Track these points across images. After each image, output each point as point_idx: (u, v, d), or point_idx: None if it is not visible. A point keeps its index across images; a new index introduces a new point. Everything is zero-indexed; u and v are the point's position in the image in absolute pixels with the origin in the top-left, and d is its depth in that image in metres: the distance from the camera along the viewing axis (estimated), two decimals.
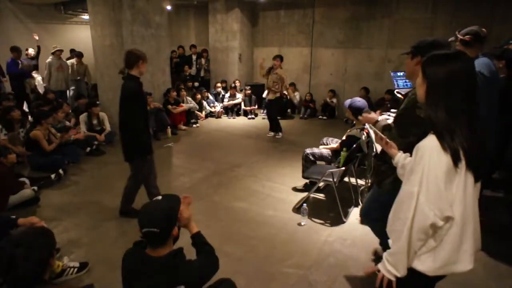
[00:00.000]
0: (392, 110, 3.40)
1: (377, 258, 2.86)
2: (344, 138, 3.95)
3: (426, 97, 1.38)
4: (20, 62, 7.36)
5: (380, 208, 2.13)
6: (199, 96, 8.11)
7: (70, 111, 6.34)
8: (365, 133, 3.44)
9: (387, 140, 1.76)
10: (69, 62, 8.26)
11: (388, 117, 2.80)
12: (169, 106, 6.98)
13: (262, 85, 8.78)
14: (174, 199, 1.74)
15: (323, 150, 4.13)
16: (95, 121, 5.89)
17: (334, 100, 8.24)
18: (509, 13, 5.89)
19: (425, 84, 1.38)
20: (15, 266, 1.34)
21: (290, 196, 4.05)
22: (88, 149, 5.48)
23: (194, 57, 9.65)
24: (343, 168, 3.50)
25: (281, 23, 9.01)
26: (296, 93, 8.77)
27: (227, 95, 8.58)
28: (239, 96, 8.53)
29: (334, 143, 4.24)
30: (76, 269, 2.66)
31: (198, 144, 6.29)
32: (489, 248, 2.79)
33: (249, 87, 8.58)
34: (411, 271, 1.40)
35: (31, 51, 7.79)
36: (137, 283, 1.59)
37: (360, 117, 3.20)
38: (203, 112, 8.17)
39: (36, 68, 7.92)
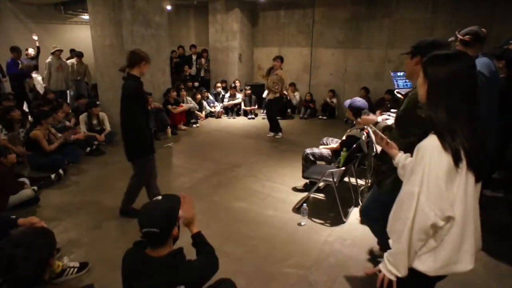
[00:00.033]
0: (392, 110, 3.40)
1: (373, 257, 2.87)
2: (344, 138, 3.95)
3: (427, 97, 1.38)
4: (20, 62, 7.36)
5: (380, 208, 2.13)
6: (199, 96, 8.11)
7: (70, 111, 6.34)
8: (365, 133, 3.44)
9: (388, 140, 1.76)
10: (69, 62, 8.26)
11: (388, 117, 2.80)
12: (169, 106, 6.98)
13: (262, 85, 8.78)
14: (174, 199, 1.74)
15: (323, 150, 4.13)
16: (95, 121, 5.89)
17: (334, 100, 8.24)
18: (509, 13, 5.89)
19: (426, 84, 1.38)
20: (15, 266, 1.34)
21: (290, 196, 4.05)
22: (88, 149, 5.48)
23: (194, 57, 9.64)
24: (343, 168, 3.50)
25: (281, 23, 9.01)
26: (296, 93, 8.77)
27: (227, 95, 8.58)
28: (239, 96, 8.53)
29: (334, 143, 4.24)
30: (76, 269, 2.66)
31: (198, 144, 6.29)
32: (489, 248, 2.79)
33: (249, 87, 8.58)
34: (412, 271, 1.40)
35: (31, 51, 7.79)
36: (137, 283, 1.59)
37: (359, 119, 3.20)
38: (203, 112, 8.17)
39: (36, 68, 7.92)
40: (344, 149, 3.65)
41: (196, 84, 9.24)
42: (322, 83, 8.63)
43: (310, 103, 8.47)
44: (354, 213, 3.55)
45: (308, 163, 3.99)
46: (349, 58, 8.06)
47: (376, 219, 2.40)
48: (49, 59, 7.71)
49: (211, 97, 8.65)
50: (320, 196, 4.07)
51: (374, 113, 4.85)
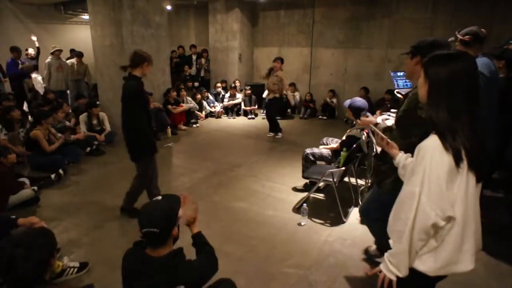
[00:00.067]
0: (392, 110, 3.40)
1: (369, 257, 2.86)
2: (344, 138, 3.95)
3: (428, 97, 1.38)
4: (20, 62, 7.36)
5: (380, 208, 2.13)
6: (199, 96, 8.11)
7: (70, 111, 6.34)
8: (365, 133, 3.44)
9: (388, 140, 1.76)
10: (69, 61, 8.26)
11: (388, 117, 2.80)
12: (169, 106, 6.99)
13: (262, 85, 8.79)
14: (174, 199, 1.74)
15: (323, 150, 4.13)
16: (95, 121, 5.89)
17: (334, 100, 8.24)
18: (509, 13, 5.89)
19: (427, 84, 1.38)
20: (15, 266, 1.34)
21: (290, 196, 4.05)
22: (88, 149, 5.48)
23: (194, 57, 9.65)
24: (343, 168, 3.50)
25: (281, 23, 9.01)
26: (296, 93, 8.77)
27: (227, 95, 8.58)
28: (239, 96, 8.53)
29: (334, 143, 4.24)
30: (76, 269, 2.66)
31: (198, 144, 6.29)
32: (489, 248, 2.79)
33: (249, 87, 8.58)
34: (412, 271, 1.40)
35: (31, 51, 7.79)
36: (137, 283, 1.59)
37: (358, 121, 3.20)
38: (203, 112, 8.17)
39: (36, 68, 7.93)
40: (344, 149, 3.65)
41: (196, 84, 9.24)
42: (322, 83, 8.63)
43: (310, 103, 8.47)
44: (354, 213, 3.55)
45: (308, 163, 3.99)
46: (349, 58, 8.06)
47: (376, 219, 2.40)
48: (48, 59, 7.71)
49: (211, 97, 8.65)
50: (320, 196, 4.07)
51: (374, 113, 4.87)
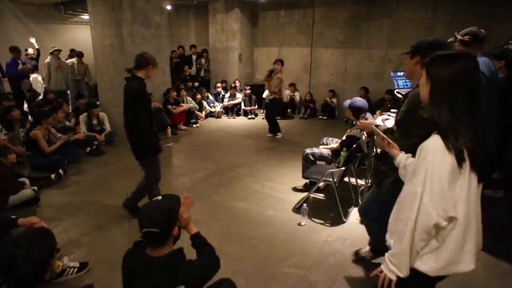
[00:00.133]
0: (392, 110, 3.40)
1: (358, 259, 2.81)
2: (344, 138, 3.95)
3: (429, 97, 1.38)
4: (20, 61, 7.36)
5: (379, 208, 2.13)
6: (199, 96, 8.11)
7: (70, 111, 6.34)
8: (365, 133, 3.44)
9: (389, 140, 1.75)
10: (69, 61, 8.26)
11: (388, 117, 2.80)
12: (169, 106, 6.99)
13: (262, 85, 8.77)
14: (174, 199, 1.74)
15: (323, 150, 4.13)
16: (95, 121, 5.89)
17: (334, 100, 8.24)
18: (509, 13, 5.89)
19: (429, 84, 1.38)
20: (15, 266, 1.34)
21: (290, 196, 4.05)
22: (88, 149, 5.47)
23: (194, 57, 9.64)
24: (343, 168, 3.50)
25: (281, 23, 9.01)
26: (296, 93, 8.77)
27: (227, 95, 8.58)
28: (239, 96, 8.53)
29: (334, 143, 4.24)
30: (76, 269, 2.66)
31: (198, 144, 6.29)
32: (489, 248, 2.78)
33: (249, 87, 8.58)
34: (413, 271, 1.40)
35: (31, 51, 7.79)
36: (137, 283, 1.59)
37: (358, 123, 3.20)
38: (203, 112, 8.17)
39: (36, 68, 7.93)
40: (344, 149, 3.65)
41: (196, 84, 9.23)
42: (322, 83, 8.63)
43: (310, 103, 8.47)
44: (354, 213, 3.55)
45: (308, 163, 3.99)
46: (349, 58, 8.06)
47: (376, 219, 2.40)
48: (48, 59, 7.70)
49: (211, 97, 8.65)
50: (320, 196, 4.07)
51: (374, 113, 4.88)
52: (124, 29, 5.94)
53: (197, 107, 7.87)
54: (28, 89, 7.63)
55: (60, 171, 4.52)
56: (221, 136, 6.83)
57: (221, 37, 9.40)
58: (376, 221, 2.44)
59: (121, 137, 5.81)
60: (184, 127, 7.22)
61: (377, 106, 6.62)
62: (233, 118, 8.35)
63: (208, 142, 6.39)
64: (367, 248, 2.81)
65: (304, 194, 3.93)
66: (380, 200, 2.17)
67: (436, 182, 1.27)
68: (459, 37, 2.76)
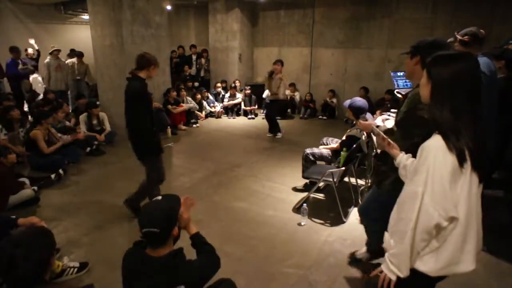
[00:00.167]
0: (392, 110, 3.40)
1: (353, 260, 2.77)
2: (344, 138, 3.95)
3: (430, 97, 1.38)
4: (20, 61, 7.36)
5: (379, 208, 2.13)
6: (199, 96, 8.11)
7: (70, 111, 6.34)
8: (365, 133, 3.44)
9: (389, 140, 1.75)
10: (69, 61, 8.26)
11: (388, 117, 2.80)
12: (169, 106, 6.99)
13: (262, 85, 8.77)
14: (174, 199, 1.74)
15: (323, 150, 4.13)
16: (95, 121, 5.89)
17: (334, 100, 8.24)
18: (509, 13, 5.89)
19: (429, 84, 1.38)
20: (15, 266, 1.34)
21: (290, 196, 4.05)
22: (88, 149, 5.47)
23: (194, 57, 9.64)
24: (343, 168, 3.50)
25: (281, 23, 9.01)
26: (296, 93, 8.78)
27: (227, 95, 8.58)
28: (239, 96, 8.53)
29: (334, 143, 4.24)
30: (76, 269, 2.66)
31: (198, 144, 6.29)
32: (489, 247, 2.79)
33: (249, 87, 8.58)
34: (413, 271, 1.39)
35: (30, 51, 7.79)
36: (137, 283, 1.59)
37: (358, 123, 3.20)
38: (203, 112, 8.17)
39: (36, 68, 7.93)
40: (344, 149, 3.65)
41: (196, 84, 9.24)
42: (322, 83, 8.63)
43: (310, 103, 8.47)
44: (354, 213, 3.54)
45: (308, 163, 3.99)
46: (349, 58, 8.06)
47: (376, 219, 2.40)
48: (47, 59, 7.70)
49: (211, 97, 8.65)
50: (320, 196, 4.07)
51: (374, 113, 4.88)
52: (124, 29, 5.94)
53: (197, 107, 7.87)
54: (28, 90, 7.63)
55: (60, 171, 4.52)
56: (221, 136, 6.83)
57: (221, 37, 9.40)
58: (376, 221, 2.43)
59: (121, 137, 5.82)
60: (184, 127, 7.22)
61: (377, 106, 6.62)
62: (233, 118, 8.35)
63: (208, 142, 6.39)
64: (364, 249, 2.77)
65: (304, 194, 3.93)
66: (380, 200, 2.17)
67: (437, 182, 1.27)
68: (458, 37, 2.76)
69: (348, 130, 3.99)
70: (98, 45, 6.52)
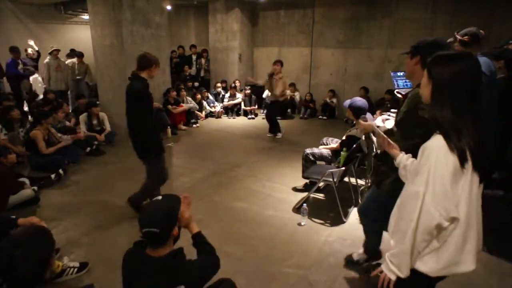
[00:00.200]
0: (392, 110, 3.40)
1: (350, 262, 2.75)
2: (344, 138, 3.95)
3: (431, 97, 1.38)
4: (20, 62, 7.36)
5: (379, 208, 2.13)
6: (199, 96, 8.11)
7: (70, 111, 6.35)
8: (363, 134, 3.44)
9: (389, 140, 1.75)
10: (69, 61, 8.25)
11: (388, 117, 2.80)
12: (169, 106, 6.99)
13: (262, 85, 8.77)
14: (174, 199, 1.74)
15: (323, 150, 4.13)
16: (95, 121, 5.89)
17: (334, 100, 8.24)
18: (509, 13, 5.89)
19: (430, 84, 1.38)
20: (15, 266, 1.34)
21: (290, 196, 4.05)
22: (88, 149, 5.47)
23: (194, 57, 9.64)
24: (343, 168, 3.50)
25: (281, 23, 9.01)
26: (296, 93, 8.78)
27: (227, 95, 8.58)
28: (239, 96, 8.53)
29: (334, 143, 4.24)
30: (76, 269, 2.66)
31: (198, 144, 6.29)
32: (489, 247, 2.79)
33: (249, 87, 8.57)
34: (413, 272, 1.39)
35: (30, 51, 7.79)
36: (137, 283, 1.59)
37: (358, 124, 3.19)
38: (203, 112, 8.17)
39: (36, 69, 7.93)
40: (344, 149, 3.65)
41: (196, 84, 9.24)
42: (322, 83, 8.63)
43: (310, 103, 8.47)
44: (354, 213, 3.54)
45: (308, 163, 3.99)
46: (349, 58, 8.06)
47: (376, 219, 2.40)
48: (47, 60, 7.69)
49: (211, 97, 8.65)
50: (320, 196, 4.07)
51: (374, 113, 4.88)
52: (124, 29, 5.94)
53: (197, 107, 7.87)
54: (28, 91, 7.63)
55: (60, 171, 4.52)
56: (221, 136, 6.83)
57: (221, 37, 9.40)
58: (376, 221, 2.44)
59: (121, 137, 5.82)
60: (184, 127, 7.22)
61: (377, 106, 6.62)
62: (233, 118, 8.35)
63: (208, 142, 6.39)
64: (361, 250, 2.77)
65: (304, 194, 3.93)
66: (380, 200, 2.17)
67: (439, 182, 1.27)
68: (458, 37, 2.77)
69: (348, 130, 3.99)
70: (98, 45, 6.52)
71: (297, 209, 3.66)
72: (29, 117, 6.29)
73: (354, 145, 3.54)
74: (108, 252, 2.93)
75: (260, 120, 8.08)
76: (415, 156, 1.48)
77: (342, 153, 3.66)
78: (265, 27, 9.38)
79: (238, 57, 9.29)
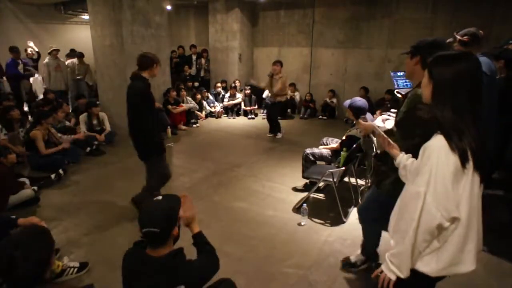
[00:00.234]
0: (392, 110, 3.40)
1: (345, 264, 2.73)
2: (344, 138, 3.96)
3: (432, 97, 1.38)
4: (20, 61, 7.36)
5: (379, 208, 2.13)
6: (199, 96, 8.11)
7: (70, 111, 6.35)
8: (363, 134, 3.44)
9: (390, 140, 1.75)
10: (70, 61, 8.25)
11: (388, 117, 2.80)
12: (169, 106, 6.99)
13: (264, 88, 8.77)
14: (174, 199, 1.74)
15: (323, 150, 4.13)
16: (95, 121, 5.89)
17: (334, 100, 8.24)
18: (509, 13, 5.90)
19: (431, 84, 1.38)
20: (15, 266, 1.34)
21: (290, 196, 4.05)
22: (88, 149, 5.47)
23: (194, 57, 9.64)
24: (343, 168, 3.50)
25: (281, 23, 9.01)
26: (296, 93, 8.78)
27: (227, 95, 8.58)
28: (239, 96, 8.53)
29: (334, 143, 4.24)
30: (76, 269, 2.66)
31: (198, 144, 6.29)
32: (490, 247, 2.79)
33: (249, 87, 8.57)
34: (414, 272, 1.39)
35: (30, 51, 7.79)
36: (137, 283, 1.59)
37: (358, 124, 3.19)
38: (203, 112, 8.17)
39: (35, 69, 7.94)
40: (344, 149, 3.65)
41: (196, 84, 9.24)
42: (322, 83, 8.63)
43: (310, 103, 8.47)
44: (354, 213, 3.54)
45: (308, 163, 3.99)
46: (349, 58, 8.06)
47: (375, 219, 2.40)
48: (46, 60, 7.69)
49: (211, 97, 8.65)
50: (320, 196, 4.07)
51: (374, 113, 4.87)
52: (124, 29, 5.94)
53: (197, 107, 7.86)
54: (28, 91, 7.63)
55: (60, 171, 4.52)
56: (221, 136, 6.83)
57: (221, 37, 9.40)
58: (376, 221, 2.44)
59: (121, 137, 5.82)
60: (184, 127, 7.22)
61: (377, 106, 6.62)
62: (233, 118, 8.35)
63: (208, 142, 6.39)
64: (358, 252, 2.75)
65: (304, 194, 3.93)
66: (380, 200, 2.16)
67: (440, 182, 1.27)
68: (458, 37, 2.77)
69: (348, 130, 3.99)
70: (98, 45, 6.52)
71: (297, 209, 3.66)
72: (29, 117, 6.28)
73: (354, 145, 3.54)
74: (108, 252, 2.93)
75: (260, 120, 8.08)
76: (415, 156, 1.48)
77: (342, 153, 3.66)
78: (265, 27, 9.38)
79: (238, 57, 9.29)
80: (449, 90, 1.32)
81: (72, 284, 2.57)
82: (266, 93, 7.27)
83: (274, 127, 6.66)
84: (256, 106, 8.54)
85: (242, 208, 3.78)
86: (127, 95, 3.19)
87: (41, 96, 7.50)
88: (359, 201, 3.81)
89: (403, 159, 1.63)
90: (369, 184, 3.81)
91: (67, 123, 5.89)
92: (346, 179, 3.98)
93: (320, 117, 8.34)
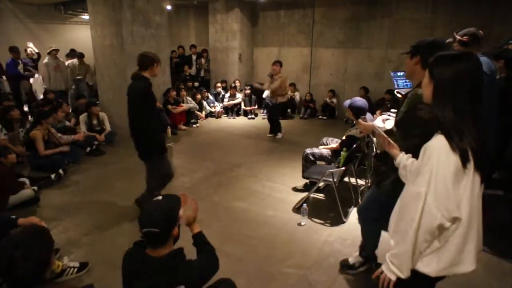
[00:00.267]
0: (392, 110, 3.40)
1: (343, 266, 2.71)
2: (344, 138, 3.96)
3: (433, 97, 1.38)
4: (20, 61, 7.35)
5: (379, 208, 2.12)
6: (199, 96, 8.11)
7: (70, 111, 6.35)
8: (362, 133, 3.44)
9: (390, 140, 1.75)
10: (70, 62, 8.25)
11: (388, 117, 2.80)
12: (169, 106, 6.99)
13: (262, 85, 8.77)
14: (174, 199, 1.74)
15: (323, 150, 4.13)
16: (95, 121, 5.89)
17: (334, 100, 8.24)
18: (509, 13, 5.89)
19: (431, 84, 1.38)
20: (15, 267, 1.34)
21: (290, 196, 4.05)
22: (88, 149, 5.47)
23: (194, 57, 9.64)
24: (343, 168, 3.50)
25: (281, 23, 9.01)
26: (296, 93, 8.78)
27: (227, 95, 8.58)
28: (239, 96, 8.53)
29: (334, 143, 4.24)
30: (76, 269, 2.66)
31: (198, 144, 6.29)
32: (490, 247, 2.79)
33: (249, 87, 8.58)
34: (414, 272, 1.39)
35: (30, 51, 7.79)
36: (137, 283, 1.59)
37: (358, 124, 3.19)
38: (203, 112, 8.17)
39: (35, 69, 7.94)
40: (344, 149, 3.65)
41: (196, 84, 9.24)
42: (322, 83, 8.63)
43: (310, 103, 8.47)
44: (354, 213, 3.53)
45: (308, 163, 3.99)
46: (349, 58, 8.06)
47: (375, 219, 2.39)
48: (46, 60, 7.69)
49: (211, 97, 8.65)
50: (320, 196, 4.07)
51: (374, 113, 4.87)
52: (124, 29, 5.94)
53: (197, 107, 7.86)
54: (27, 91, 7.63)
55: (60, 171, 4.52)
56: (221, 136, 6.83)
57: (221, 37, 9.40)
58: (376, 221, 2.43)
59: (121, 137, 5.82)
60: (184, 127, 7.22)
61: (377, 106, 6.61)
62: (233, 118, 8.35)
63: (208, 142, 6.39)
64: (356, 253, 2.74)
65: (304, 194, 3.93)
66: (380, 200, 2.16)
67: (441, 182, 1.27)
68: (458, 37, 2.77)
69: (348, 130, 3.99)
70: (98, 45, 6.52)
71: (297, 209, 3.66)
72: (29, 117, 6.28)
73: (354, 145, 3.54)
74: (108, 252, 2.93)
75: (260, 120, 8.08)
76: (415, 156, 1.48)
77: (342, 153, 3.66)
78: (265, 27, 9.38)
79: (238, 57, 9.29)
80: (449, 90, 1.32)
81: (72, 284, 2.57)
82: (266, 93, 7.26)
83: (275, 128, 6.66)
84: (256, 106, 8.53)
85: (242, 208, 3.78)
86: (128, 95, 3.18)
87: (41, 96, 7.49)
88: (359, 201, 3.81)
89: (403, 159, 1.63)
90: (369, 184, 3.81)
91: (67, 123, 5.89)
92: (346, 179, 3.98)
93: (320, 117, 8.34)
